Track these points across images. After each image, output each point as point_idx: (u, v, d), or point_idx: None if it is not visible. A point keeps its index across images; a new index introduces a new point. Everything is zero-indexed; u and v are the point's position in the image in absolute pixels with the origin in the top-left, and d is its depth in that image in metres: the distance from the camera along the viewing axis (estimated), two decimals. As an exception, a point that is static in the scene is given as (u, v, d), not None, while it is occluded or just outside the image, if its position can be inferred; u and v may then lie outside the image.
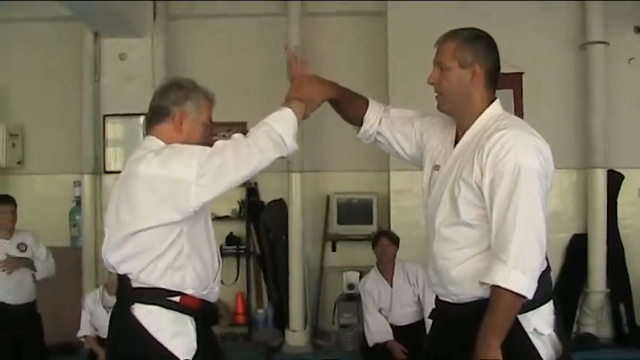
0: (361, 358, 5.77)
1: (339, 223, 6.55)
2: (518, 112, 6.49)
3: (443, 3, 6.23)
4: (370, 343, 5.62)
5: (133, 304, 2.39)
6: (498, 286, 2.16)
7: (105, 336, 5.15)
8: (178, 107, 2.51)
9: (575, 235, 6.57)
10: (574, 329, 6.45)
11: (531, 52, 6.53)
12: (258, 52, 6.91)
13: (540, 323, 2.32)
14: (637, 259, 6.53)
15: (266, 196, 6.94)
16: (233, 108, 6.35)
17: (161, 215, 2.33)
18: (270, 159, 2.40)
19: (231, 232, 6.85)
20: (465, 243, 2.34)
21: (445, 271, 2.40)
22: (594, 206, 6.42)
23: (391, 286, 5.72)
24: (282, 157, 2.45)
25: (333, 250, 6.85)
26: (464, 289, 2.35)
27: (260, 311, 6.85)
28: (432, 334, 2.67)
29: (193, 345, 2.41)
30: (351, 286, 6.30)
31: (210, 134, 2.59)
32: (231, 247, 6.77)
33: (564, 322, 5.35)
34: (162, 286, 2.38)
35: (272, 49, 6.50)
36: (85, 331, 5.40)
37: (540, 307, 2.33)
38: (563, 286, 6.31)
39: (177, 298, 2.40)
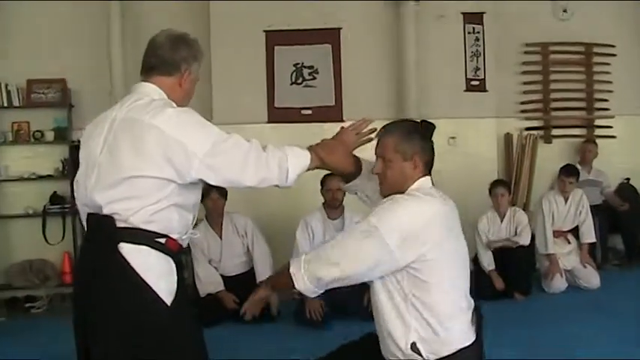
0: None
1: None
2: (337, 65, 6.82)
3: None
4: (202, 294, 5.73)
5: (118, 243, 2.37)
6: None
7: None
8: (187, 65, 2.55)
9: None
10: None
11: (349, 8, 6.82)
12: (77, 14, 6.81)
13: None
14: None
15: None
16: (51, 65, 6.57)
17: (164, 171, 2.34)
18: (269, 183, 2.47)
19: (55, 192, 6.67)
20: None
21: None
22: (410, 154, 6.85)
23: (220, 238, 5.89)
24: (276, 186, 2.51)
25: (157, 203, 6.84)
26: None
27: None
28: None
29: (174, 287, 2.44)
30: (179, 239, 6.29)
31: None
32: (55, 206, 6.61)
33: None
34: (150, 229, 2.39)
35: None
36: None
37: None
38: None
39: (162, 240, 2.42)
